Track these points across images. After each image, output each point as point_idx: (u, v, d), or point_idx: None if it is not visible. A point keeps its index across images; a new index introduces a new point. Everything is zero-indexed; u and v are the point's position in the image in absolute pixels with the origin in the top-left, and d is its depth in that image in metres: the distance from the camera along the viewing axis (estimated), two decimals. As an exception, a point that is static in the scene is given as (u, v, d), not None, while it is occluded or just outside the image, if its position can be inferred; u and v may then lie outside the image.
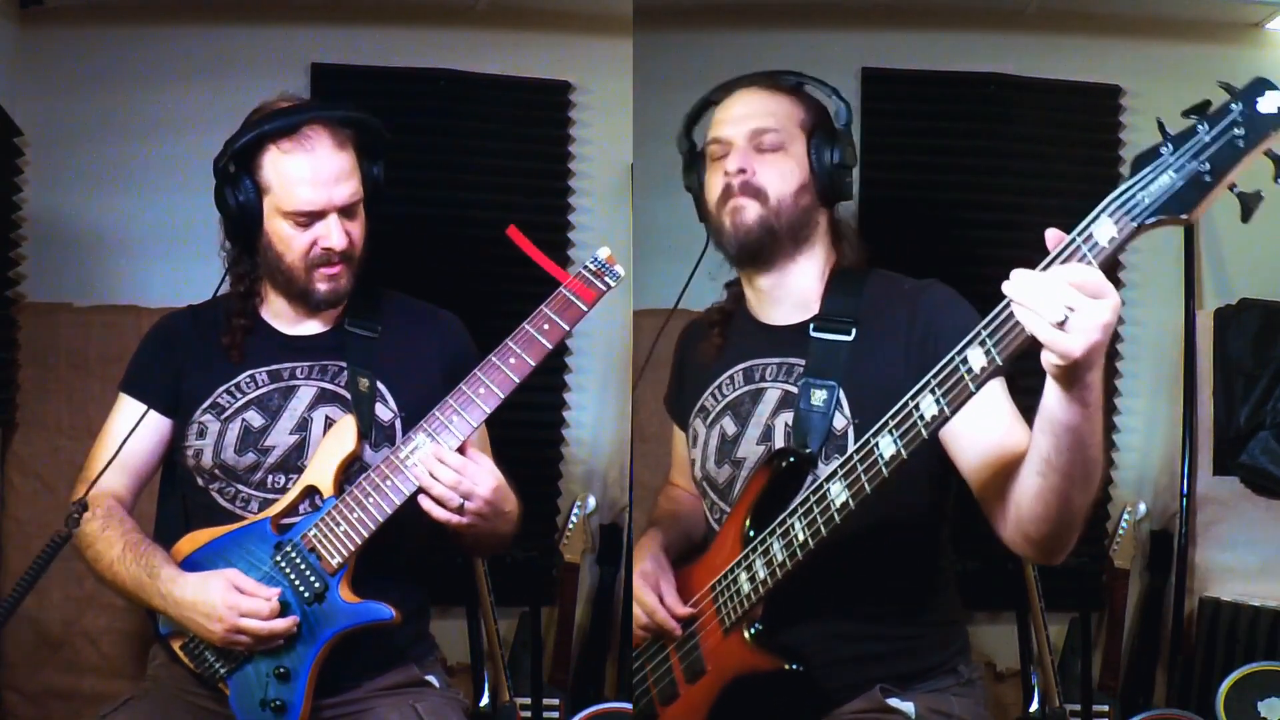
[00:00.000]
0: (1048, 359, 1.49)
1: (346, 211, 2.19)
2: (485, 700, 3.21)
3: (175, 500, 2.33)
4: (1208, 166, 1.38)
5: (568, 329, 2.06)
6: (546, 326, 2.06)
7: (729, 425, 2.23)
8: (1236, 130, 1.37)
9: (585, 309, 2.06)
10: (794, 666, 2.02)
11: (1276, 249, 3.62)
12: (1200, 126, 1.40)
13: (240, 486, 2.21)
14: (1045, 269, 1.48)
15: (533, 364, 2.05)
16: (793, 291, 2.20)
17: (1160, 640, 3.59)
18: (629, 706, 3.16)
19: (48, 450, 3.30)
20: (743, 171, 2.12)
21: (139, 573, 2.12)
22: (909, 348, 2.03)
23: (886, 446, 1.76)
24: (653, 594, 2.16)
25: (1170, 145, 1.42)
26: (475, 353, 2.25)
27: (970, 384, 1.62)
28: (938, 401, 1.66)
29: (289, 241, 2.18)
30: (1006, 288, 1.49)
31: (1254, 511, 3.59)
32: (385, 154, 2.28)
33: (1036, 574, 3.22)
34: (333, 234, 2.16)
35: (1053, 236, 1.50)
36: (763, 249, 2.14)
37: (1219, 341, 3.63)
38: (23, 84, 3.40)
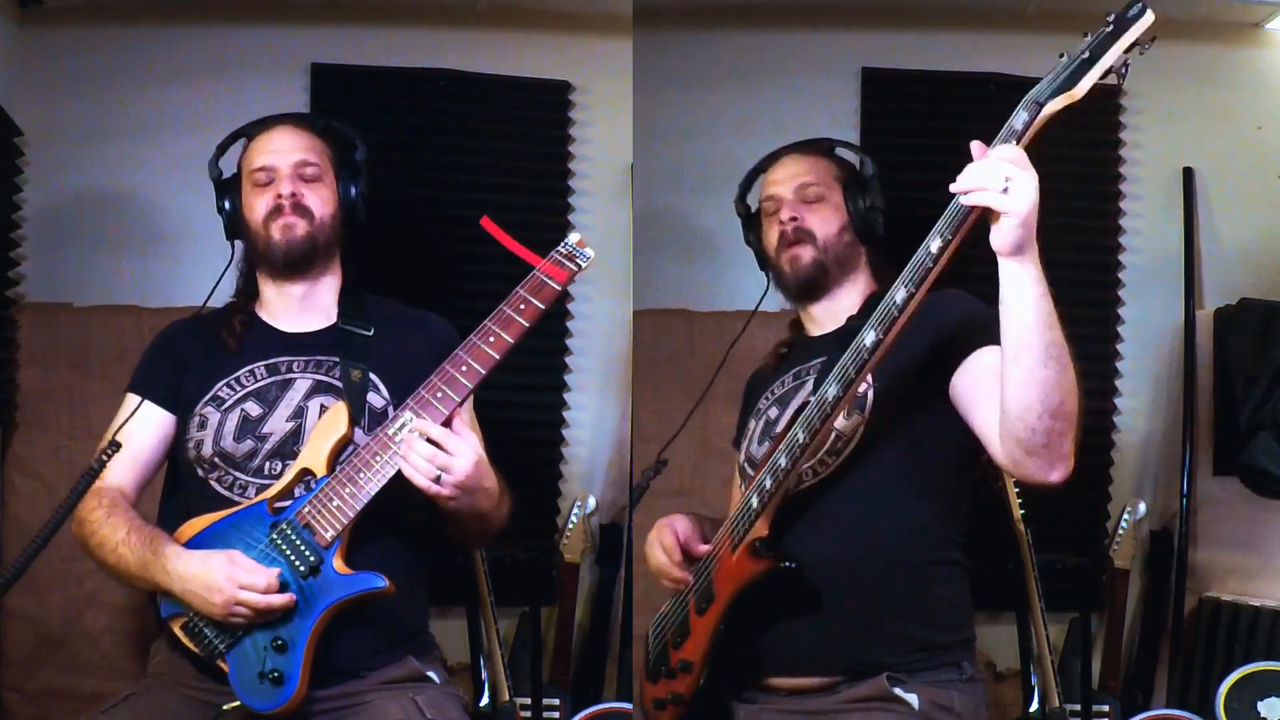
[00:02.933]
0: (1001, 229, 1.84)
1: (302, 176, 2.41)
2: (485, 700, 3.21)
3: (177, 496, 2.40)
4: (1088, 54, 1.82)
5: (543, 308, 2.18)
6: (523, 306, 2.18)
7: (773, 411, 2.46)
8: (1108, 29, 1.81)
9: (558, 288, 2.20)
10: (788, 564, 2.20)
11: (1277, 249, 3.63)
12: (1087, 37, 1.84)
13: (238, 474, 2.28)
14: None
15: (511, 342, 2.16)
16: (837, 312, 2.49)
17: (1160, 640, 3.59)
18: (629, 706, 3.17)
19: (48, 450, 3.30)
20: (794, 219, 2.47)
21: (143, 552, 2.18)
22: (923, 330, 2.20)
23: (869, 337, 2.05)
24: (671, 536, 2.40)
25: (1066, 56, 1.86)
26: None
27: (929, 263, 1.96)
28: (907, 287, 1.99)
29: (253, 204, 2.40)
30: (956, 185, 1.87)
31: (1254, 511, 3.58)
32: (362, 170, 2.52)
33: (1037, 574, 3.22)
34: (283, 183, 2.38)
35: (978, 146, 1.88)
36: (817, 284, 2.47)
37: (1219, 341, 3.63)
38: (23, 84, 3.40)
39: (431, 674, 2.33)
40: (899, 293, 2.00)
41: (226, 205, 2.45)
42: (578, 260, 2.21)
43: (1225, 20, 3.66)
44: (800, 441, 2.14)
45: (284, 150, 2.41)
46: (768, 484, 2.20)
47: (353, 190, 2.47)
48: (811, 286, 2.46)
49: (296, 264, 2.40)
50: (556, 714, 3.32)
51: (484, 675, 3.23)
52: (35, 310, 3.37)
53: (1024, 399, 1.89)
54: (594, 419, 3.67)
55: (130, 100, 3.49)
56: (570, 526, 3.43)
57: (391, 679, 2.26)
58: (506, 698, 3.21)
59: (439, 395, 2.14)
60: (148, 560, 2.16)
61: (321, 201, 2.41)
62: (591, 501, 3.50)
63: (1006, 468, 2.05)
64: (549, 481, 3.58)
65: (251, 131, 2.48)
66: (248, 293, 2.49)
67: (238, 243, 2.49)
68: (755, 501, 2.22)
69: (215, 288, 2.48)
